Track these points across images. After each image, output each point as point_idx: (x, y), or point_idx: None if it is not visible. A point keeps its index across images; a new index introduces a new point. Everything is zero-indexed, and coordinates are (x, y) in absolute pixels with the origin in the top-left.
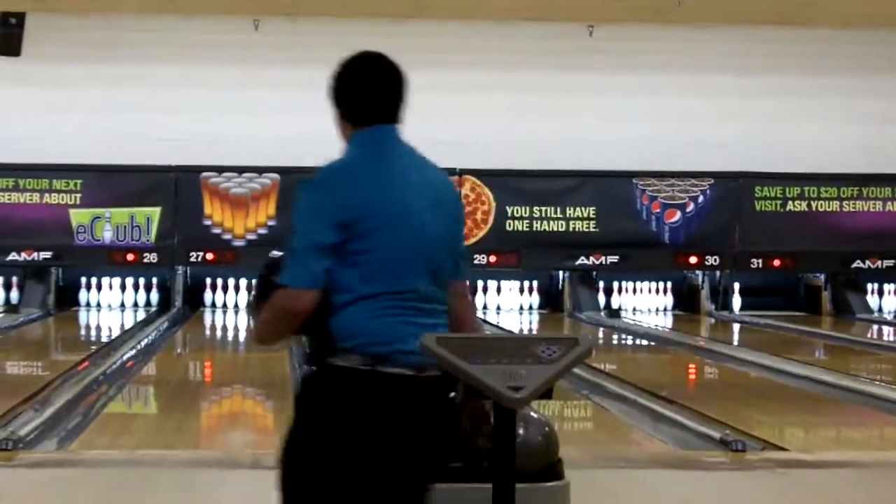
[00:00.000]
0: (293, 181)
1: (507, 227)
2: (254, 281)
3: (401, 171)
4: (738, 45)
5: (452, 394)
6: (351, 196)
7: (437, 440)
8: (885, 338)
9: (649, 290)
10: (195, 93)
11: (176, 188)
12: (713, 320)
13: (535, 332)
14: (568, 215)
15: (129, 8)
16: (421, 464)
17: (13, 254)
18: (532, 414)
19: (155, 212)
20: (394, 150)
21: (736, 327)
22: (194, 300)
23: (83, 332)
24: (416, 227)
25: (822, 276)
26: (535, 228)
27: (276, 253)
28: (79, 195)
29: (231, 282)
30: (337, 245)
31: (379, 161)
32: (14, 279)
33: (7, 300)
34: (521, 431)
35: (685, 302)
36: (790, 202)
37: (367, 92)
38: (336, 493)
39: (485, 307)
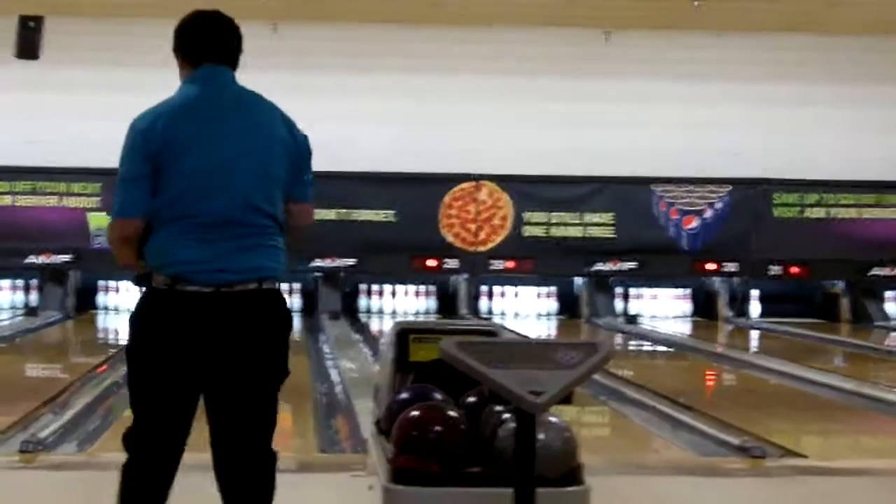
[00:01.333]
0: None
1: (525, 233)
2: None
3: (207, 105)
4: (756, 53)
5: None
6: (155, 130)
7: (234, 349)
8: None
9: (667, 297)
10: None
11: None
12: (731, 327)
13: (552, 338)
14: (585, 221)
15: (148, 12)
16: (221, 365)
17: (31, 257)
18: (552, 419)
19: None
20: (211, 86)
21: (754, 334)
22: None
23: (101, 334)
24: (210, 156)
25: (841, 284)
26: (552, 234)
27: None
28: (97, 199)
29: None
30: (147, 176)
31: (189, 97)
32: (33, 282)
33: (26, 303)
34: (541, 436)
35: (703, 308)
36: (808, 209)
37: (194, 35)
38: (149, 391)
39: (502, 313)
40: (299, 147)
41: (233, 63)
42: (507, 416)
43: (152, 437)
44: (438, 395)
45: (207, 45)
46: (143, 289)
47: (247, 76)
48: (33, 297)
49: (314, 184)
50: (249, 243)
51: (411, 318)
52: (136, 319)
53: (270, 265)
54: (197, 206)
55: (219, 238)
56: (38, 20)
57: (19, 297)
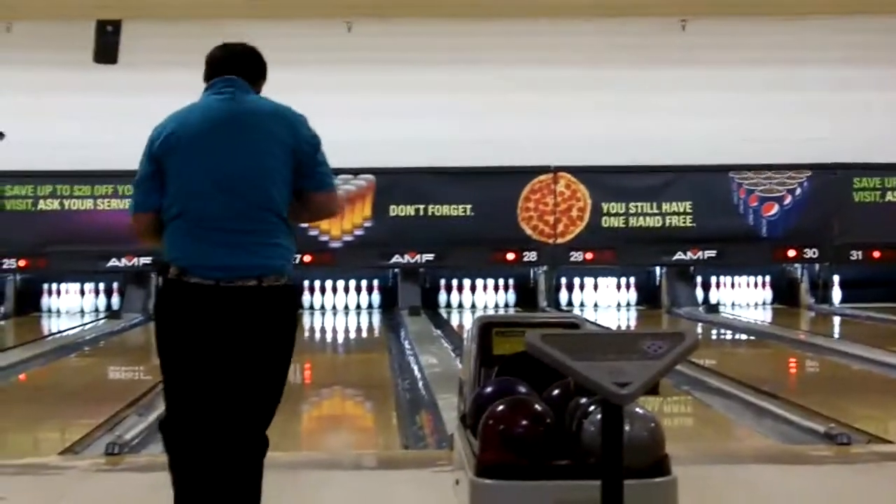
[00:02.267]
0: (389, 182)
1: (604, 224)
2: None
3: (206, 108)
4: (834, 36)
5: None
6: (161, 133)
7: (237, 337)
8: None
9: (748, 285)
10: (288, 96)
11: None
12: (813, 314)
13: (633, 328)
14: (664, 211)
15: (222, 14)
16: (224, 355)
17: (114, 260)
18: (638, 410)
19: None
20: (212, 91)
21: (836, 320)
22: None
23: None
24: (205, 155)
25: None
26: (631, 225)
27: None
28: None
29: (329, 284)
30: (153, 175)
31: (195, 106)
32: (115, 285)
33: (108, 306)
34: (627, 427)
35: (784, 296)
36: (889, 193)
37: (210, 61)
38: (170, 377)
39: (582, 304)
40: (300, 143)
41: (247, 76)
42: (592, 408)
43: (180, 416)
44: (523, 389)
45: (220, 64)
46: (161, 278)
47: (321, 73)
48: (115, 300)
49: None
50: (248, 241)
51: (492, 312)
52: (155, 307)
53: (271, 264)
54: (195, 204)
55: (216, 236)
56: (116, 24)
57: (102, 300)
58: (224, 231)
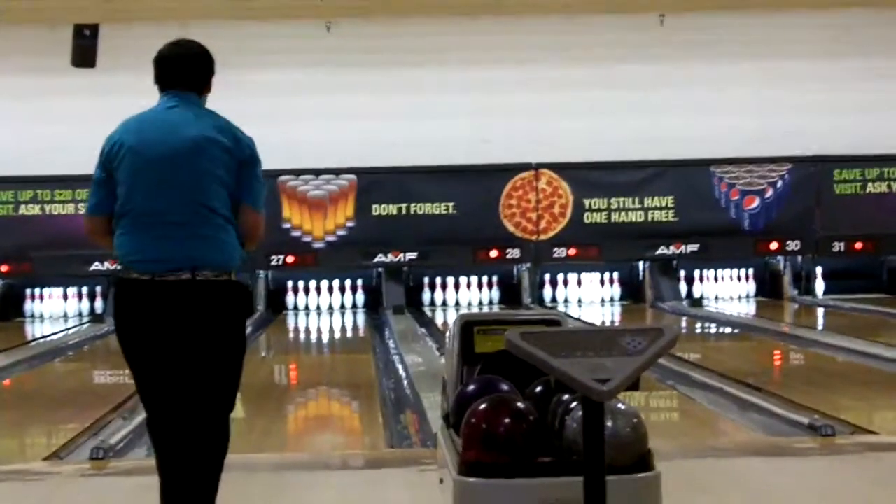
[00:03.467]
0: (371, 181)
1: (586, 220)
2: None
3: (151, 121)
4: (812, 30)
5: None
6: (111, 142)
7: (173, 332)
8: None
9: (731, 278)
10: (270, 97)
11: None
12: (797, 306)
13: (617, 323)
14: (646, 206)
15: (202, 15)
16: (168, 347)
17: (97, 264)
18: (620, 405)
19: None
20: (159, 107)
21: (820, 312)
22: (276, 303)
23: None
24: (146, 162)
25: None
26: (613, 220)
27: None
28: None
29: (312, 284)
30: (104, 181)
31: (141, 116)
32: (98, 289)
33: (92, 310)
34: (609, 424)
35: (768, 288)
36: (870, 184)
37: (158, 69)
38: (134, 373)
39: (566, 300)
40: (241, 149)
41: (195, 84)
42: (574, 404)
43: (151, 413)
44: (505, 387)
45: (168, 71)
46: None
47: (301, 74)
48: (98, 304)
49: (262, 188)
50: (181, 234)
51: (475, 310)
52: (113, 307)
53: (206, 256)
54: (136, 203)
55: (153, 230)
56: (94, 28)
57: (85, 304)
58: (161, 224)
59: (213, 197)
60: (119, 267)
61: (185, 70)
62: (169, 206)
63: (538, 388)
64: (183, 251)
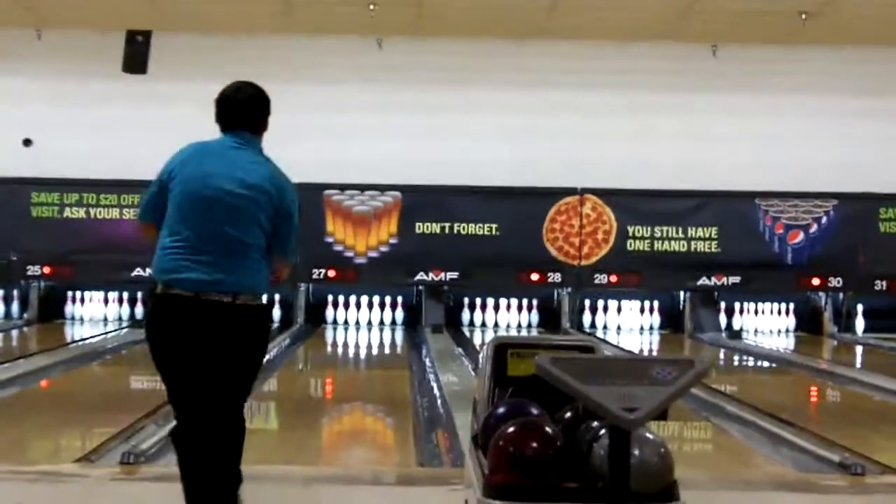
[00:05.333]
0: (415, 199)
1: (629, 247)
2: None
3: (214, 155)
4: (862, 66)
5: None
6: (172, 163)
7: (212, 341)
8: None
9: (771, 312)
10: (318, 111)
11: (299, 205)
12: (836, 342)
13: (655, 352)
14: (690, 235)
15: (253, 28)
16: (203, 356)
17: (138, 269)
18: (648, 435)
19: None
20: (217, 144)
21: (859, 350)
22: (316, 317)
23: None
24: (200, 196)
25: None
26: (656, 249)
27: None
28: None
29: (353, 299)
30: (156, 193)
31: (200, 149)
32: (139, 294)
33: (132, 315)
34: (636, 452)
35: (807, 323)
36: None
37: (219, 111)
38: (163, 376)
39: (605, 327)
40: (284, 202)
41: (251, 127)
42: (602, 431)
43: (181, 407)
44: (535, 410)
45: (230, 118)
46: (150, 296)
47: (350, 89)
48: (139, 310)
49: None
50: (223, 262)
51: (514, 333)
52: (146, 321)
53: (242, 282)
54: (181, 227)
55: (197, 256)
56: (146, 35)
57: (125, 309)
58: (203, 252)
59: (253, 237)
60: (158, 285)
61: (245, 112)
62: (214, 237)
63: (567, 414)
64: (225, 276)
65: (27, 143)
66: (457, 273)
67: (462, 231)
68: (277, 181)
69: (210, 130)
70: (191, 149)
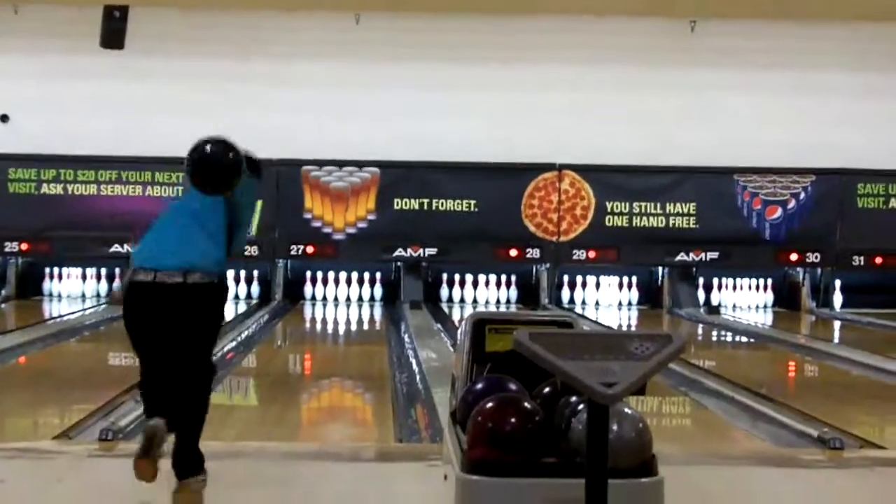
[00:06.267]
0: (394, 176)
1: (607, 223)
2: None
3: (164, 240)
4: (840, 43)
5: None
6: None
7: (169, 319)
8: None
9: (749, 287)
10: (296, 87)
11: (277, 182)
12: (814, 318)
13: (633, 328)
14: (668, 211)
15: (231, 3)
16: (162, 333)
17: (116, 245)
18: (626, 410)
19: (256, 205)
20: (179, 212)
21: (837, 325)
22: (294, 293)
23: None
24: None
25: None
26: (634, 224)
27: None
28: (180, 188)
29: (331, 275)
30: None
31: (157, 232)
32: (117, 271)
33: (110, 292)
34: (614, 427)
35: (785, 299)
36: (893, 199)
37: (192, 173)
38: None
39: (583, 302)
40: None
41: (222, 191)
42: (581, 407)
43: (146, 373)
44: (513, 386)
45: (201, 182)
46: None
47: (328, 66)
48: (117, 286)
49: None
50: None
51: (493, 308)
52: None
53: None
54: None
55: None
56: (124, 10)
57: (103, 285)
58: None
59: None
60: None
61: (217, 179)
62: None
63: (546, 389)
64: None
65: (4, 119)
66: (435, 249)
67: (440, 207)
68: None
69: (183, 107)
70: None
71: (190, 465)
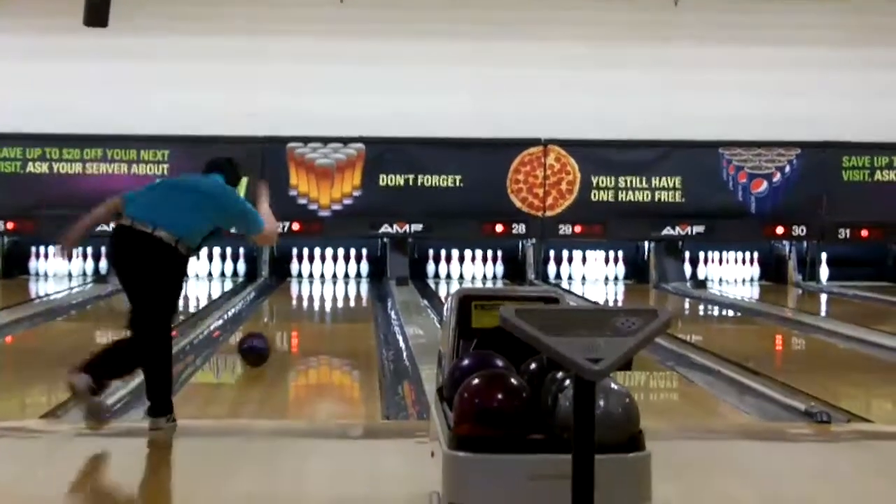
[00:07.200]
0: (379, 152)
1: (593, 198)
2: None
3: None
4: (825, 16)
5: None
6: None
7: (140, 261)
8: None
9: (736, 261)
10: (281, 64)
11: (262, 159)
12: (800, 291)
13: (620, 302)
14: (654, 185)
15: None
16: (128, 272)
17: (102, 224)
18: (612, 385)
19: (241, 182)
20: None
21: (823, 298)
22: (281, 270)
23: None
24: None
25: None
26: (620, 199)
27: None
28: (166, 166)
29: (317, 252)
30: None
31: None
32: (103, 249)
33: (96, 270)
34: (601, 403)
35: (772, 272)
36: (878, 172)
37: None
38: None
39: (570, 277)
40: (213, 197)
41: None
42: (568, 382)
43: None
44: (500, 362)
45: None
46: None
47: (313, 45)
48: (103, 265)
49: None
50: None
51: (479, 284)
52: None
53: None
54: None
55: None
56: None
57: (90, 264)
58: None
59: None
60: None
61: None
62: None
63: (533, 366)
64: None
65: None
66: (421, 225)
67: (426, 183)
68: (214, 186)
69: (168, 85)
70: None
71: (155, 406)
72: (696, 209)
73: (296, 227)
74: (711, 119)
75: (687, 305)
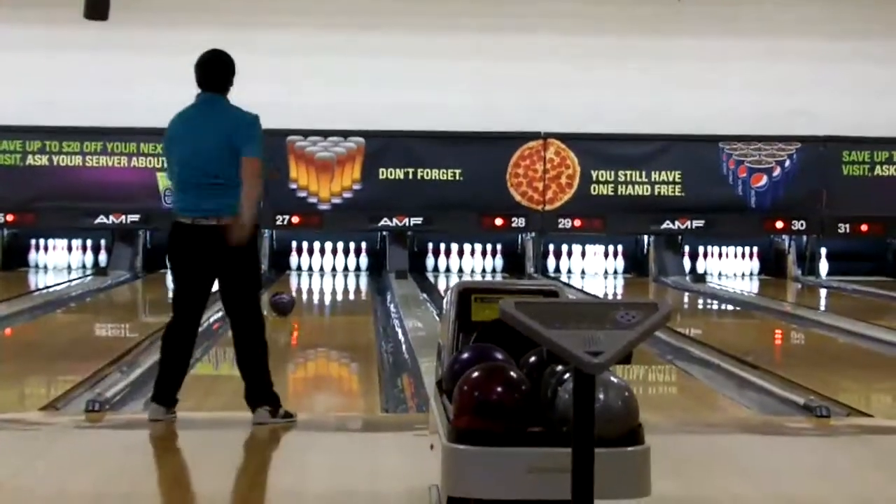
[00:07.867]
0: (379, 145)
1: (592, 192)
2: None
3: (191, 117)
4: (826, 10)
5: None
6: (167, 131)
7: (206, 259)
8: None
9: (735, 255)
10: (281, 56)
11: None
12: (800, 285)
13: (619, 296)
14: (653, 179)
15: None
16: (199, 270)
17: (102, 217)
18: (612, 379)
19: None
20: (197, 104)
21: (823, 293)
22: (280, 263)
23: (171, 294)
24: (185, 146)
25: None
26: (620, 193)
27: None
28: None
29: (317, 245)
30: (167, 158)
31: (185, 112)
32: (103, 242)
33: (96, 263)
34: (601, 396)
35: (771, 267)
36: (878, 166)
37: (197, 74)
38: (176, 287)
39: (569, 271)
40: (237, 125)
41: (221, 88)
42: (567, 375)
43: (180, 312)
44: (500, 355)
45: (203, 81)
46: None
47: (313, 34)
48: (103, 257)
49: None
50: (206, 194)
51: (478, 278)
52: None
53: (221, 209)
54: (178, 172)
55: (190, 192)
56: None
57: (89, 257)
58: (192, 190)
59: (225, 170)
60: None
61: (213, 75)
62: (197, 178)
63: (532, 359)
64: (208, 205)
65: None
66: (420, 218)
67: (426, 176)
68: (235, 115)
69: (167, 78)
70: (174, 120)
71: (259, 397)
72: (696, 203)
73: (295, 220)
74: (711, 113)
75: (686, 299)
